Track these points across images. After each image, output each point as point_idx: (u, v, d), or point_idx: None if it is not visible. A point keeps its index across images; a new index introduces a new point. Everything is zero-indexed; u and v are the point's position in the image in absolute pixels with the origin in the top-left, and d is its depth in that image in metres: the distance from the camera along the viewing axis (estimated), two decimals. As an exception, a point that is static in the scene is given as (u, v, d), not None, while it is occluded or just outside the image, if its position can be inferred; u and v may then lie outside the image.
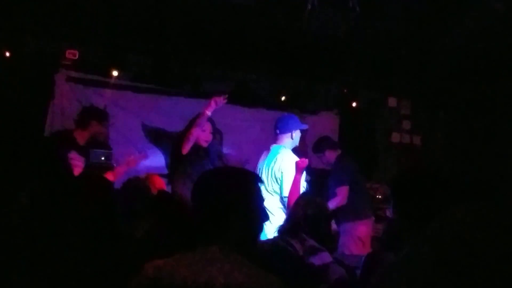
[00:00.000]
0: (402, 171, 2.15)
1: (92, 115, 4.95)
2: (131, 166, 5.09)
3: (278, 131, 4.59)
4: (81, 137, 4.95)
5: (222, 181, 1.81)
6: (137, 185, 3.43)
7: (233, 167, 2.63)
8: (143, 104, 5.83)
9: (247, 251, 1.73)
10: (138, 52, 5.59)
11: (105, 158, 5.32)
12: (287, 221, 3.01)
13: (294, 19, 4.55)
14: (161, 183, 3.68)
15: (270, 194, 4.37)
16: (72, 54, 5.41)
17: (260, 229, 1.84)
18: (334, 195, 5.21)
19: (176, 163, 4.94)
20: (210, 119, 4.92)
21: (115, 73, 5.58)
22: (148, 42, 5.49)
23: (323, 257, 2.68)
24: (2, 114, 5.07)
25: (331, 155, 5.46)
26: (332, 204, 5.04)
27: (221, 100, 4.70)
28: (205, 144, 4.94)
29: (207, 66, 5.68)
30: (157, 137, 5.90)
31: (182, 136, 4.87)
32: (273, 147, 4.60)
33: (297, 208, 2.96)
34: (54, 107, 5.50)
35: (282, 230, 2.92)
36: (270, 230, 3.67)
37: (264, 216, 1.84)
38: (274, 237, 2.95)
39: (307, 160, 4.36)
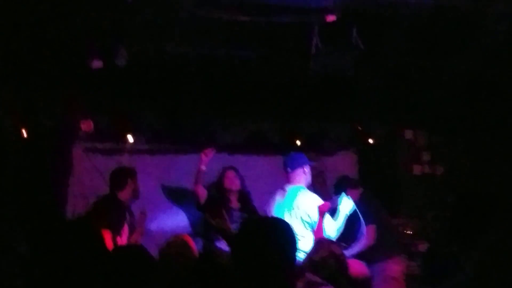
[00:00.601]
0: (460, 202, 2.10)
1: (127, 174, 5.05)
2: (143, 223, 5.08)
3: (289, 169, 4.65)
4: (125, 197, 5.01)
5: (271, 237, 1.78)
6: (178, 249, 3.33)
7: (269, 218, 2.56)
8: (161, 165, 5.87)
9: None
10: (151, 114, 5.68)
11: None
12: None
13: (301, 64, 4.60)
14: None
15: (302, 236, 4.32)
16: (86, 125, 5.51)
17: None
18: (361, 235, 5.09)
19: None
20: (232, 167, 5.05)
21: (130, 138, 5.65)
22: (159, 103, 5.58)
23: None
24: (21, 194, 5.09)
25: (353, 195, 5.38)
26: (360, 246, 4.93)
27: (210, 152, 4.88)
28: (231, 193, 5.03)
29: (220, 119, 5.73)
30: (178, 196, 5.90)
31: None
32: (290, 188, 4.59)
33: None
34: (75, 186, 5.53)
35: None
36: None
37: None
38: None
39: (328, 203, 4.34)
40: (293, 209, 4.43)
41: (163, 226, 5.69)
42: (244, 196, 5.25)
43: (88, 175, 5.59)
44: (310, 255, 2.96)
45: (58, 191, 5.40)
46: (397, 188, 6.49)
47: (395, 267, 5.11)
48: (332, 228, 4.43)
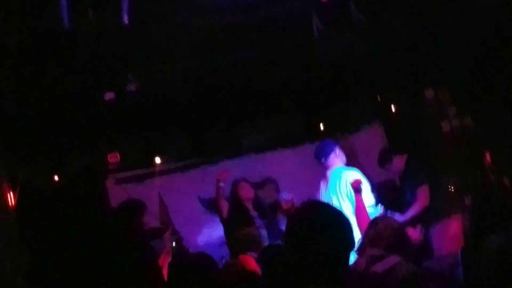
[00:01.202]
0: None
1: (132, 213, 4.26)
2: (170, 238, 5.01)
3: (323, 159, 4.68)
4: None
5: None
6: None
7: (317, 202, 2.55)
8: (193, 180, 5.90)
9: None
10: (174, 134, 5.72)
11: (175, 243, 5.38)
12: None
13: (308, 52, 4.57)
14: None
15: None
16: (114, 158, 5.60)
17: None
18: (414, 199, 5.03)
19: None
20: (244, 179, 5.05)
21: (158, 160, 5.70)
22: (181, 122, 5.61)
23: (389, 261, 2.60)
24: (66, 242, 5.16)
25: (399, 161, 5.30)
26: (415, 209, 4.90)
27: (224, 176, 5.07)
28: (248, 201, 5.09)
29: (242, 123, 5.74)
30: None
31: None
32: (330, 173, 4.62)
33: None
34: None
35: None
36: None
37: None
38: None
39: (359, 179, 4.35)
40: (339, 189, 4.47)
41: (209, 238, 5.74)
42: (259, 204, 5.32)
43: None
44: (367, 233, 2.95)
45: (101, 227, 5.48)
46: (432, 149, 6.40)
47: (453, 225, 5.04)
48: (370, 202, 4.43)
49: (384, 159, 5.39)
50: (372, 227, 2.94)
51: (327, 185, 4.81)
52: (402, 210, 4.96)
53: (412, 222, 4.81)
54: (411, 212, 4.95)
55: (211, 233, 5.73)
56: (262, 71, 4.97)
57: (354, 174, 4.60)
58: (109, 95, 4.83)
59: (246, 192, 5.21)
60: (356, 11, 4.23)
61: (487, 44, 5.58)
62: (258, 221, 5.10)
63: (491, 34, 5.35)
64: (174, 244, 5.40)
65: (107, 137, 5.47)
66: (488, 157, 5.80)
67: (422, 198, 4.97)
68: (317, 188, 5.14)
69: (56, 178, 5.29)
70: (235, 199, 5.23)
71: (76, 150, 5.42)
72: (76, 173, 5.41)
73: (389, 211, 4.73)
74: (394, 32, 4.98)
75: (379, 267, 2.57)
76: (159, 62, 4.59)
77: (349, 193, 4.50)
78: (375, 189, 5.04)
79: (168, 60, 4.52)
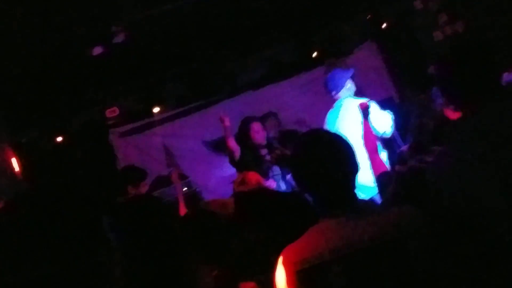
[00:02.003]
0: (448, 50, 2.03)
1: (127, 180, 4.37)
2: (179, 179, 4.99)
3: (334, 92, 4.54)
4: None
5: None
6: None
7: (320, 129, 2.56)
8: (195, 124, 5.92)
9: None
10: (170, 81, 5.67)
11: (187, 187, 5.47)
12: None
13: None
14: (258, 178, 3.66)
15: None
16: (112, 112, 5.58)
17: None
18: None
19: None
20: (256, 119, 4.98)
21: (157, 109, 5.70)
22: (174, 68, 5.56)
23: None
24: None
25: None
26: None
27: (225, 119, 4.81)
28: (263, 142, 4.99)
29: (234, 60, 5.67)
30: (221, 145, 5.97)
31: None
32: (336, 103, 4.57)
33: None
34: (121, 164, 5.68)
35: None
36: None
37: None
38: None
39: (366, 102, 4.25)
40: (348, 119, 4.38)
41: (219, 178, 5.84)
42: (272, 147, 5.16)
43: (133, 156, 5.71)
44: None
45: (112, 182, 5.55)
46: (428, 60, 6.38)
47: None
48: (384, 122, 4.30)
49: None
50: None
51: (333, 115, 4.71)
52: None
53: None
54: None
55: (220, 171, 5.81)
56: (248, 5, 4.86)
57: (361, 102, 4.48)
58: (97, 50, 4.75)
59: (260, 137, 5.01)
60: None
61: None
62: (275, 169, 5.01)
63: None
64: (185, 188, 5.50)
65: (103, 92, 5.44)
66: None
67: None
68: (318, 116, 5.12)
69: (59, 139, 5.31)
70: (247, 142, 5.04)
71: (74, 109, 5.41)
72: (79, 132, 5.42)
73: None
74: None
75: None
76: (145, 9, 4.48)
77: (357, 120, 4.39)
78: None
79: (153, 4, 4.41)
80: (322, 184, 1.74)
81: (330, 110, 4.58)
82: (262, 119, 5.57)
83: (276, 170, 4.94)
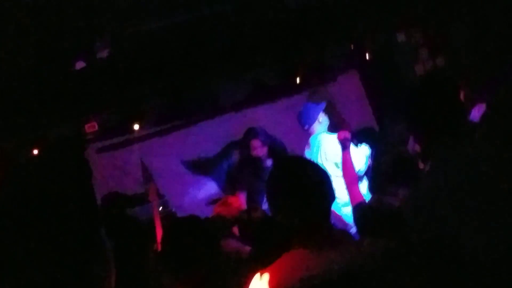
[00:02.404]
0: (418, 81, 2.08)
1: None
2: (156, 200, 5.01)
3: (306, 126, 4.55)
4: None
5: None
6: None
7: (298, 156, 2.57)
8: (174, 143, 5.89)
9: None
10: (151, 98, 5.64)
11: (162, 207, 5.41)
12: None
13: (277, 2, 4.51)
14: (240, 203, 3.65)
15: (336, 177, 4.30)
16: (91, 127, 5.51)
17: None
18: None
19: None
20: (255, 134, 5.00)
21: (136, 126, 5.65)
22: (156, 86, 5.53)
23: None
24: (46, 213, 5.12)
25: None
26: None
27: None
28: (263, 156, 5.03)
29: (219, 82, 5.67)
30: (199, 167, 5.95)
31: None
32: (311, 139, 4.55)
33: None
34: (101, 188, 5.59)
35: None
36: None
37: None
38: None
39: (346, 131, 4.27)
40: (321, 155, 4.38)
41: (195, 199, 5.79)
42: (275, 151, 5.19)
43: (108, 174, 5.63)
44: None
45: (87, 198, 5.45)
46: (407, 92, 6.46)
47: None
48: (359, 160, 4.31)
49: None
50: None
51: (309, 152, 4.71)
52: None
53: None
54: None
55: (197, 193, 5.77)
56: (233, 25, 4.89)
57: (334, 139, 4.48)
58: (79, 64, 4.71)
59: (260, 151, 5.07)
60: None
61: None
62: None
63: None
64: (161, 208, 5.44)
65: (83, 107, 5.37)
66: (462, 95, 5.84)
67: None
68: (297, 142, 5.13)
69: (35, 152, 5.20)
70: (247, 158, 5.10)
71: (53, 122, 5.32)
72: (55, 146, 5.33)
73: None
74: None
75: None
76: (129, 25, 4.48)
77: (334, 156, 4.40)
78: (356, 138, 5.05)
79: (137, 22, 4.41)
80: (296, 212, 1.72)
81: (306, 149, 4.55)
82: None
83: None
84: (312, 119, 4.52)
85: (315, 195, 1.72)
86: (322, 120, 4.53)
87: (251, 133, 5.28)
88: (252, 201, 4.78)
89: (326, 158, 4.34)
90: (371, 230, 2.40)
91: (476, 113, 3.30)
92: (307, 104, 4.65)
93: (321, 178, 1.76)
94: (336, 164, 4.19)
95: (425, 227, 1.71)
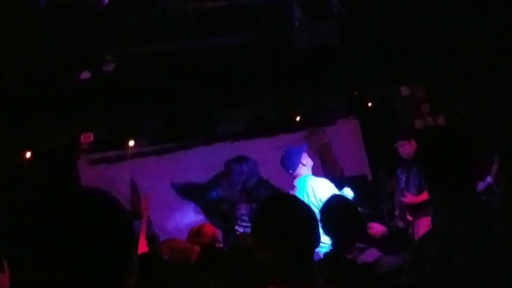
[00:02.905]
0: (427, 139, 2.04)
1: None
2: (148, 205, 4.96)
3: (291, 171, 4.54)
4: None
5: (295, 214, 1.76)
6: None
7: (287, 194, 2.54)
8: (166, 165, 5.89)
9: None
10: (150, 117, 5.67)
11: (147, 227, 5.35)
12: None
13: (285, 41, 4.57)
14: (214, 231, 3.62)
15: None
16: (87, 138, 5.52)
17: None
18: (417, 185, 5.09)
19: None
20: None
21: (131, 143, 5.66)
22: (156, 106, 5.58)
23: (372, 253, 2.67)
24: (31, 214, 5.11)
25: (407, 147, 5.31)
26: (420, 198, 4.97)
27: None
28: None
29: (218, 110, 5.72)
30: (190, 191, 5.94)
31: None
32: (297, 182, 4.52)
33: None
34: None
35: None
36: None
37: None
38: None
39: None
40: (306, 199, 4.35)
41: (179, 224, 5.74)
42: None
43: (97, 186, 5.61)
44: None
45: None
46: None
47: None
48: None
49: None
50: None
51: (296, 191, 4.70)
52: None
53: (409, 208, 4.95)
54: (417, 199, 5.01)
55: (182, 218, 5.74)
56: (239, 58, 4.96)
57: (322, 184, 4.50)
58: (84, 74, 4.76)
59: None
60: (337, 4, 4.24)
61: (464, 46, 5.69)
62: (245, 206, 5.06)
63: (467, 35, 5.45)
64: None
65: (81, 117, 5.40)
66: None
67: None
68: (289, 181, 5.12)
69: (28, 155, 5.20)
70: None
71: (50, 128, 5.34)
72: (49, 151, 5.34)
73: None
74: (373, 27, 5.02)
75: (365, 258, 2.62)
76: (137, 44, 4.53)
77: (316, 201, 4.40)
78: (348, 184, 5.05)
79: (146, 42, 4.46)
80: (277, 249, 1.70)
81: (295, 191, 4.50)
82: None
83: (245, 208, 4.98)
84: (296, 164, 4.51)
85: (303, 237, 1.70)
86: (305, 162, 4.51)
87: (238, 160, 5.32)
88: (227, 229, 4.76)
89: (311, 200, 4.32)
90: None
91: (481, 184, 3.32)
92: (288, 149, 4.66)
93: (311, 220, 1.75)
94: (318, 208, 4.18)
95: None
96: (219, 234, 3.97)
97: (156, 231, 5.59)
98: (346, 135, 6.34)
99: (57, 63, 4.56)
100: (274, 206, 1.79)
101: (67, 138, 5.53)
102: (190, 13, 4.07)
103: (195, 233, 3.65)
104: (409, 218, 5.18)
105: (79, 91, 4.97)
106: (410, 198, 5.12)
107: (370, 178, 6.56)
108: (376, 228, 3.95)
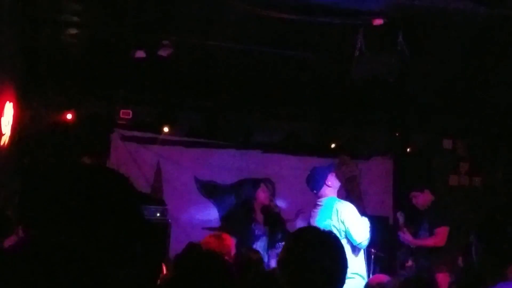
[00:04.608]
0: (488, 214, 2.00)
1: None
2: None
3: (315, 191, 4.47)
4: None
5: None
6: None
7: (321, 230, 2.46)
8: (195, 158, 5.91)
9: None
10: (190, 109, 5.72)
11: (160, 214, 5.38)
12: None
13: (343, 67, 4.54)
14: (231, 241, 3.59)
15: None
16: (126, 114, 5.61)
17: None
18: (429, 234, 5.00)
19: None
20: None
21: (166, 129, 5.72)
22: (198, 99, 5.61)
23: None
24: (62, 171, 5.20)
25: (422, 197, 5.24)
26: (429, 241, 4.89)
27: None
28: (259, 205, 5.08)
29: (257, 118, 5.72)
30: (210, 190, 5.94)
31: None
32: (323, 200, 4.44)
33: None
34: (110, 167, 5.65)
35: None
36: None
37: None
38: None
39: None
40: (328, 219, 4.28)
41: (193, 219, 5.75)
42: (269, 210, 5.24)
43: (124, 162, 5.67)
44: None
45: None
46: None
47: (442, 281, 4.91)
48: (361, 231, 4.25)
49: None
50: None
51: (316, 213, 4.62)
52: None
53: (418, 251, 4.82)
54: (424, 242, 4.94)
55: (197, 214, 5.74)
56: (292, 72, 4.95)
57: (347, 208, 4.42)
58: (139, 54, 4.83)
59: (264, 194, 5.16)
60: (402, 43, 4.19)
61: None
62: (260, 227, 5.03)
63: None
64: (158, 214, 5.41)
65: (126, 93, 5.48)
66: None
67: (439, 237, 4.94)
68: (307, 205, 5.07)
69: (69, 116, 5.32)
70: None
71: (94, 96, 5.45)
72: (88, 117, 5.44)
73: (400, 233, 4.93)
74: (432, 74, 4.95)
75: None
76: (196, 36, 4.57)
77: (338, 223, 4.32)
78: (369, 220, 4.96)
79: (205, 36, 4.50)
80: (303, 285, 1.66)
81: (317, 210, 4.44)
82: (258, 181, 5.54)
83: (260, 229, 4.96)
84: (320, 184, 4.45)
85: (333, 275, 1.66)
86: (331, 184, 4.43)
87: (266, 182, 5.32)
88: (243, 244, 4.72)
89: (337, 223, 4.26)
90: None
91: None
92: (315, 168, 4.59)
93: (339, 258, 1.69)
94: (340, 231, 4.11)
95: None
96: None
97: (169, 220, 5.61)
98: (377, 173, 6.25)
99: (118, 37, 4.65)
100: (304, 240, 1.74)
101: (108, 109, 5.62)
102: (254, 18, 4.08)
103: (216, 236, 3.63)
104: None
105: (129, 68, 5.04)
106: (408, 237, 5.00)
107: (391, 221, 6.43)
108: (379, 277, 3.85)
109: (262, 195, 5.09)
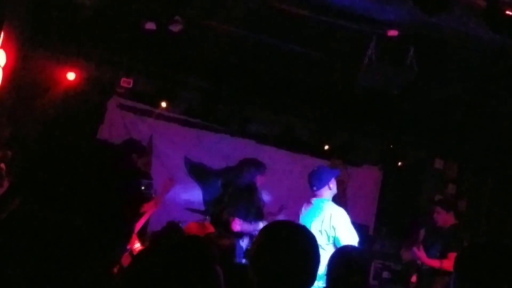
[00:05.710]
0: (466, 248, 2.01)
1: (132, 149, 4.78)
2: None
3: (315, 188, 4.46)
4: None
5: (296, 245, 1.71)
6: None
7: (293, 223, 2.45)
8: (188, 138, 5.89)
9: None
10: (190, 88, 5.68)
11: (145, 187, 5.36)
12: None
13: (349, 72, 4.54)
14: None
15: (322, 249, 4.19)
16: (126, 83, 5.57)
17: None
18: (439, 255, 4.92)
19: None
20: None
21: (164, 104, 5.69)
22: (201, 79, 5.58)
23: None
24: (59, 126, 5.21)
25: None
26: (439, 263, 4.78)
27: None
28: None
29: (256, 108, 5.71)
30: (198, 172, 5.93)
31: None
32: (315, 200, 4.45)
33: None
34: (102, 132, 5.63)
35: None
36: None
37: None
38: None
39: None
40: (319, 221, 4.28)
41: (176, 197, 5.74)
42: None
43: (116, 130, 5.64)
44: None
45: (88, 136, 5.48)
46: (415, 215, 6.39)
47: None
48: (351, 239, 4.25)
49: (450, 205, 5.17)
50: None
51: (307, 211, 4.61)
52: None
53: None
54: (436, 263, 4.83)
55: (181, 194, 5.72)
56: (297, 68, 4.94)
57: (341, 215, 4.41)
58: (149, 25, 4.79)
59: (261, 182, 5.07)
60: (412, 58, 4.19)
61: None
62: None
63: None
64: (143, 187, 5.39)
65: (129, 61, 5.44)
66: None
67: (452, 262, 4.81)
68: (297, 201, 5.07)
69: (71, 76, 5.28)
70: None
71: (98, 60, 5.40)
72: (91, 79, 5.41)
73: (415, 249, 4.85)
74: (437, 90, 4.95)
75: None
76: (210, 18, 4.54)
77: (329, 228, 4.32)
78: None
79: (219, 20, 4.47)
80: (271, 276, 1.66)
81: (310, 207, 4.44)
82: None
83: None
84: (323, 183, 4.43)
85: (304, 271, 1.66)
86: (332, 187, 4.43)
87: (261, 168, 5.20)
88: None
89: (323, 224, 4.25)
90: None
91: None
92: (322, 167, 4.56)
93: (314, 261, 1.69)
94: (328, 235, 4.11)
95: None
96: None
97: (154, 195, 5.59)
98: (365, 182, 6.27)
99: (130, 4, 4.61)
100: (284, 236, 1.74)
101: (109, 75, 5.58)
102: (269, 9, 4.05)
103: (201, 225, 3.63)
104: None
105: (137, 38, 5.00)
106: (422, 254, 4.89)
107: (371, 231, 6.48)
108: None
109: (261, 179, 4.99)
